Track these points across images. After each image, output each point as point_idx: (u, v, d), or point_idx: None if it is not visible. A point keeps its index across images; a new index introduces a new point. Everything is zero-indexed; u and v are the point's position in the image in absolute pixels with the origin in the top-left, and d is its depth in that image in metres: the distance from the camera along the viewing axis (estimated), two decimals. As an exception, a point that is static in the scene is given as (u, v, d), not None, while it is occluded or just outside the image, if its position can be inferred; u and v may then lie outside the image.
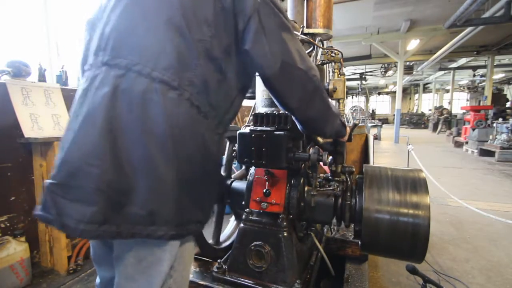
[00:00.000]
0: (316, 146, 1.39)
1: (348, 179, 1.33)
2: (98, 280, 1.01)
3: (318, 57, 1.42)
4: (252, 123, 1.33)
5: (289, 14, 1.71)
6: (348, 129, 1.30)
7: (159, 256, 0.79)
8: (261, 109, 1.48)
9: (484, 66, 15.18)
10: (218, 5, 0.80)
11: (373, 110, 23.42)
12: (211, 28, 0.79)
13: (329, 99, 1.12)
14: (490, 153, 8.09)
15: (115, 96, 0.72)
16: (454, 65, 16.80)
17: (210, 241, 1.71)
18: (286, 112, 1.25)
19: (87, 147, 0.70)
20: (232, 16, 0.82)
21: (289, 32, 0.90)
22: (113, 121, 0.71)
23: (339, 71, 1.36)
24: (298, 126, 1.13)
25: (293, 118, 1.10)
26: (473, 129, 9.15)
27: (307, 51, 1.50)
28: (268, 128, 1.25)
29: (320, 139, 1.41)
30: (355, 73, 18.89)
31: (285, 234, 1.24)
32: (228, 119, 0.92)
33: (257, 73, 0.94)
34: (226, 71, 0.85)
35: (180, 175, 0.74)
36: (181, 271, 0.86)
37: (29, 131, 2.18)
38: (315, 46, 1.50)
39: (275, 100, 1.01)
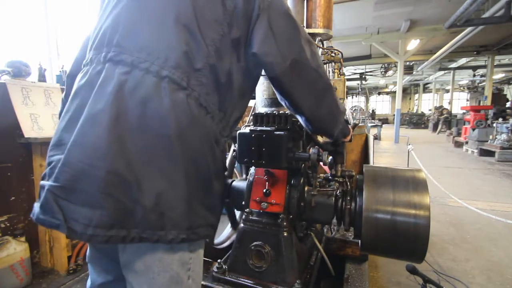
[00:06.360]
0: (316, 146, 1.38)
1: (348, 182, 1.33)
2: (89, 282, 0.97)
3: (318, 57, 1.43)
4: (252, 123, 1.33)
5: (289, 14, 1.71)
6: (350, 129, 1.28)
7: (168, 262, 0.76)
8: (261, 109, 1.48)
9: (484, 66, 15.18)
10: (229, 4, 0.79)
11: (373, 110, 23.43)
12: (223, 27, 0.78)
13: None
14: (490, 153, 8.09)
15: (121, 94, 0.68)
16: (454, 65, 16.80)
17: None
18: (287, 112, 1.25)
19: (91, 148, 0.66)
20: (242, 16, 0.81)
21: (298, 30, 0.89)
22: (119, 121, 0.67)
23: (339, 71, 1.36)
24: (306, 126, 1.10)
25: (300, 118, 1.05)
26: (473, 129, 9.14)
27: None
28: (268, 128, 1.25)
29: (320, 139, 1.41)
30: (355, 73, 18.89)
31: (285, 234, 1.24)
32: (233, 121, 0.91)
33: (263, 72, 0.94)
34: (232, 72, 0.83)
35: (189, 176, 0.72)
36: (198, 271, 0.85)
37: (29, 131, 2.18)
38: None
39: (284, 101, 0.99)
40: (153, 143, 0.69)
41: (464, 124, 11.26)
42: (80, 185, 0.66)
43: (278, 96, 1.00)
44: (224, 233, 1.83)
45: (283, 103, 1.02)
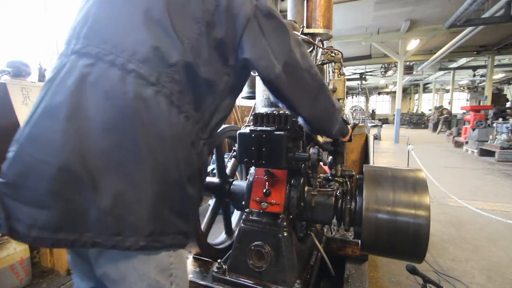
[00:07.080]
0: (316, 146, 1.39)
1: (348, 182, 1.33)
2: None
3: (318, 57, 1.43)
4: (252, 123, 1.33)
5: (289, 14, 1.71)
6: (349, 128, 1.28)
7: (144, 270, 0.70)
8: (261, 109, 1.48)
9: (484, 66, 15.19)
10: (210, 2, 0.76)
11: (373, 110, 23.42)
12: (200, 26, 0.75)
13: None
14: (490, 153, 8.09)
15: (82, 87, 0.64)
16: (454, 65, 16.79)
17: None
18: (287, 112, 1.25)
19: (43, 143, 0.61)
20: (225, 16, 0.78)
21: (287, 33, 0.88)
22: (78, 115, 0.62)
23: (339, 71, 1.36)
24: (305, 126, 1.12)
25: (300, 118, 1.07)
26: (473, 129, 9.15)
27: (307, 51, 1.50)
28: (268, 128, 1.25)
29: (320, 139, 1.41)
30: (355, 73, 18.88)
31: (285, 234, 1.24)
32: (215, 123, 0.87)
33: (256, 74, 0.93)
34: (213, 73, 0.80)
35: (155, 178, 0.67)
36: (182, 275, 0.79)
37: (29, 131, 2.18)
38: (315, 46, 1.50)
39: (280, 103, 1.00)
40: (115, 140, 0.64)
41: (464, 124, 11.26)
42: (27, 182, 0.61)
43: (273, 99, 1.01)
44: (224, 233, 1.83)
45: (279, 105, 1.03)
